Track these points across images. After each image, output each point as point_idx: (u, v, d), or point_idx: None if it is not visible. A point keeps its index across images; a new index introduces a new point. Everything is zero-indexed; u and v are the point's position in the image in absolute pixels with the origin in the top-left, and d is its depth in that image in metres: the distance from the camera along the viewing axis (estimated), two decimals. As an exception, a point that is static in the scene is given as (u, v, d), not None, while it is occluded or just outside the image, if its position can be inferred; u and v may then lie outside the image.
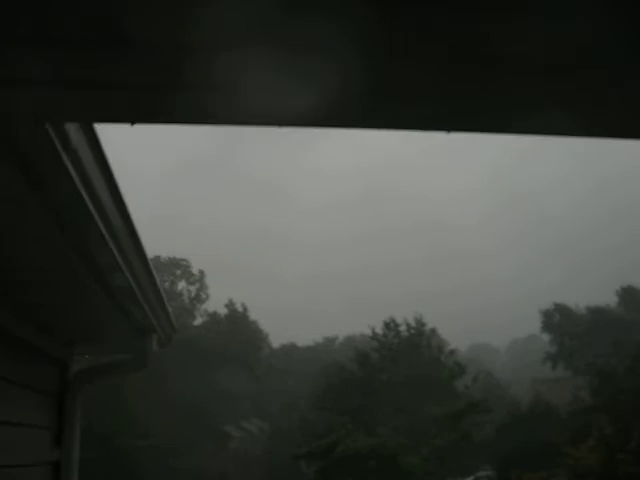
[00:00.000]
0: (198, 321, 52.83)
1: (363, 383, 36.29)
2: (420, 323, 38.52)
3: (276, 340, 56.41)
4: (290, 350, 56.67)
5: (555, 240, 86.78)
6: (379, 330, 39.98)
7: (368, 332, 41.53)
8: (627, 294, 49.90)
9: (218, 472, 37.95)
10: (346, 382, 36.75)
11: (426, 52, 2.02)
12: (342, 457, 15.85)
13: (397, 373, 36.31)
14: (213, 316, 50.84)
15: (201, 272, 54.95)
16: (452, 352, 37.90)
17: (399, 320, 39.00)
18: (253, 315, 51.42)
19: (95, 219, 3.65)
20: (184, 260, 54.62)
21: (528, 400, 36.22)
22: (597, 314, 45.83)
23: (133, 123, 2.30)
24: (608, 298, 49.67)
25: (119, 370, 6.18)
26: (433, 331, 38.83)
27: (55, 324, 5.35)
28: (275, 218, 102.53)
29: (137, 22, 1.90)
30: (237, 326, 48.36)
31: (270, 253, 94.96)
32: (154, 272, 5.04)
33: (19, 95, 2.16)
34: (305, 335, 74.21)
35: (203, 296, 55.04)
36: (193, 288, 54.90)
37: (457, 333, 53.49)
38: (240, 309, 50.26)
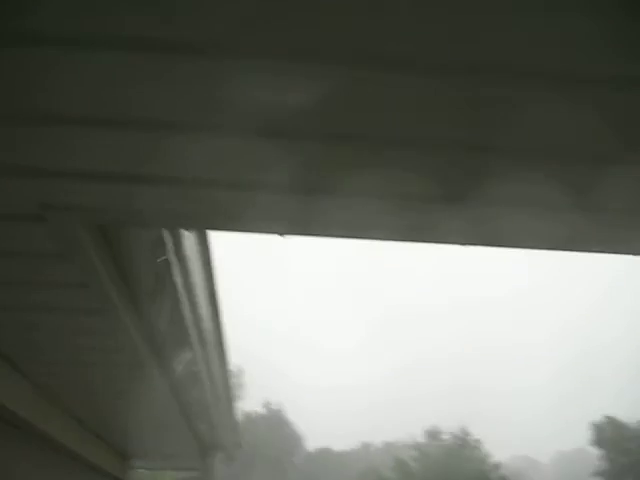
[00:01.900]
0: (233, 420, 51.70)
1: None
2: (465, 433, 36.89)
3: (312, 443, 54.66)
4: (325, 455, 54.69)
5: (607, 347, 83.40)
6: (420, 438, 38.44)
7: (407, 439, 39.99)
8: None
9: None
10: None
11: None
12: None
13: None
14: (249, 417, 49.66)
15: (239, 369, 54.15)
16: (497, 466, 36.07)
17: (443, 428, 37.56)
18: (290, 416, 50.10)
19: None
20: (221, 357, 54.14)
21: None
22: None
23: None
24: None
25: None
26: (477, 442, 37.02)
27: (113, 438, 4.82)
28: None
29: None
30: (273, 428, 47.10)
31: (303, 355, 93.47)
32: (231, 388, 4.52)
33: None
34: (342, 438, 71.84)
35: (238, 394, 54.09)
36: (229, 386, 54.11)
37: (497, 441, 50.99)
38: (276, 409, 49.10)
